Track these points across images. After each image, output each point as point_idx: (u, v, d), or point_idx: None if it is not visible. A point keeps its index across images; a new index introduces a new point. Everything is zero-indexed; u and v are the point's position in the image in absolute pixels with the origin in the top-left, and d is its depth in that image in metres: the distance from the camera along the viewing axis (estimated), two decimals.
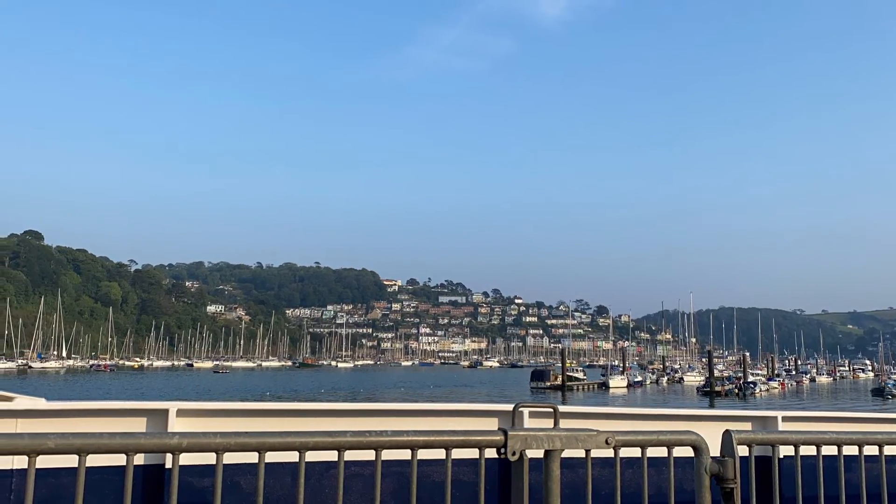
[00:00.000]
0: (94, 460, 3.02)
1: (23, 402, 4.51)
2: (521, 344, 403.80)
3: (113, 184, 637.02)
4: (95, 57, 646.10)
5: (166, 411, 4.43)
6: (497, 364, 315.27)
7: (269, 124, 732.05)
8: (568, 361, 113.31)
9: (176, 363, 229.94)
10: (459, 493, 4.09)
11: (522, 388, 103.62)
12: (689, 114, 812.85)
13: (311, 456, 3.35)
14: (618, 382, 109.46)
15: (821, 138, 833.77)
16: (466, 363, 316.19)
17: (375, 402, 5.29)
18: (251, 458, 3.19)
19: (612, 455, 3.90)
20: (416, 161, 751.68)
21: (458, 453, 3.50)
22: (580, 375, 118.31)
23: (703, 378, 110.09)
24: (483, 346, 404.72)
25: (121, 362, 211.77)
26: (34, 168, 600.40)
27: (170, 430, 4.35)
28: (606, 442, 3.70)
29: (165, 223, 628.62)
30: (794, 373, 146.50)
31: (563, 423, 4.30)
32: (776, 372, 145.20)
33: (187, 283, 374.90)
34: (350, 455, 3.33)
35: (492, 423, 5.06)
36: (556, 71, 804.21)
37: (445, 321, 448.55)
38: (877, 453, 4.62)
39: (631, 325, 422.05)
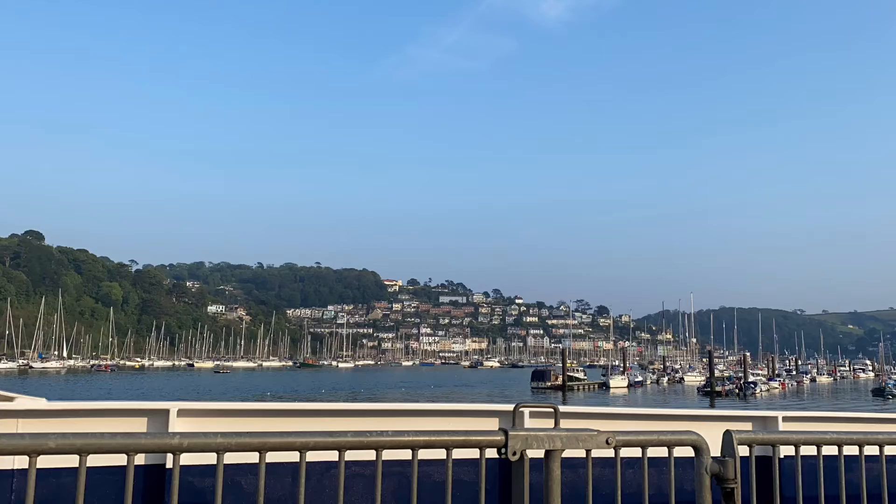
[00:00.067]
0: (94, 460, 3.03)
1: (24, 402, 4.51)
2: (521, 344, 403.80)
3: (114, 184, 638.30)
4: (96, 57, 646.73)
5: (167, 411, 4.44)
6: (498, 364, 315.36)
7: (268, 125, 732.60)
8: (568, 362, 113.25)
9: (177, 363, 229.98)
10: (460, 493, 4.10)
11: (523, 389, 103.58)
12: (691, 115, 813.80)
13: (312, 456, 3.35)
14: (618, 382, 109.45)
15: (822, 139, 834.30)
16: (467, 363, 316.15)
17: (376, 403, 5.30)
18: (252, 458, 3.19)
19: (613, 455, 3.90)
20: (416, 161, 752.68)
21: (458, 453, 3.50)
22: (581, 375, 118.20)
23: (703, 378, 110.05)
24: (484, 346, 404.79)
25: (121, 362, 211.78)
26: (36, 169, 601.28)
27: (170, 430, 4.35)
28: (607, 442, 3.70)
29: (166, 223, 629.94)
30: (794, 373, 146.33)
31: (564, 423, 4.30)
32: (776, 372, 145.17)
33: (188, 284, 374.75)
34: (351, 455, 3.33)
35: (492, 424, 5.07)
36: (558, 71, 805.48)
37: (446, 321, 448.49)
38: (877, 453, 4.62)
39: (631, 326, 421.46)
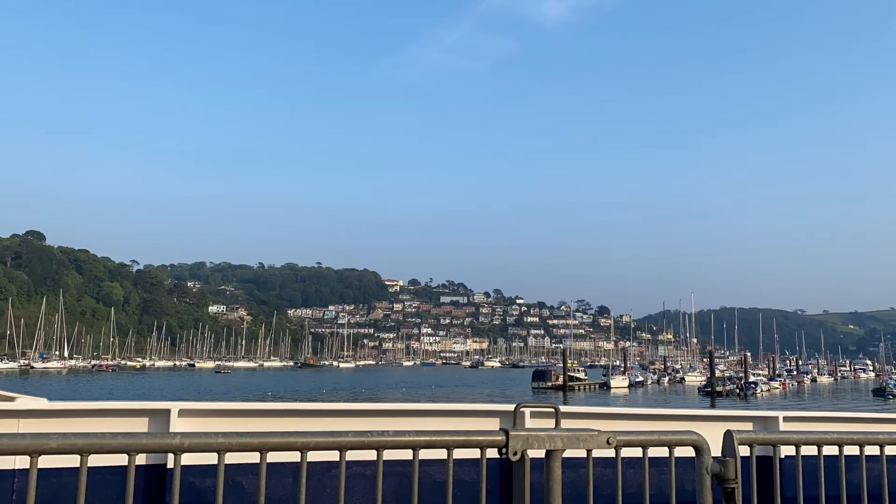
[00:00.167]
0: (95, 460, 3.03)
1: (25, 402, 4.52)
2: (522, 344, 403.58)
3: (114, 184, 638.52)
4: (96, 57, 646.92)
5: (168, 411, 4.44)
6: (498, 364, 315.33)
7: (268, 125, 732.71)
8: (569, 362, 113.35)
9: (178, 363, 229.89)
10: (461, 493, 4.10)
11: (524, 389, 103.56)
12: (691, 115, 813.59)
13: (313, 456, 3.35)
14: (619, 382, 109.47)
15: (822, 139, 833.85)
16: (468, 363, 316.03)
17: (377, 403, 5.30)
18: (253, 458, 3.20)
19: (614, 455, 3.90)
20: (416, 161, 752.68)
21: (459, 453, 3.50)
22: (581, 375, 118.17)
23: (704, 378, 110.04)
24: (484, 346, 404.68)
25: (122, 362, 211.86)
26: (36, 169, 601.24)
27: (171, 430, 4.35)
28: (608, 442, 3.70)
29: (167, 224, 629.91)
30: (795, 373, 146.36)
31: (565, 424, 4.30)
32: (777, 372, 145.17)
33: (189, 284, 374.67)
34: (352, 455, 3.33)
35: (493, 424, 5.07)
36: (558, 71, 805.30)
37: (447, 321, 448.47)
38: (878, 453, 4.62)
39: (632, 326, 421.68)
